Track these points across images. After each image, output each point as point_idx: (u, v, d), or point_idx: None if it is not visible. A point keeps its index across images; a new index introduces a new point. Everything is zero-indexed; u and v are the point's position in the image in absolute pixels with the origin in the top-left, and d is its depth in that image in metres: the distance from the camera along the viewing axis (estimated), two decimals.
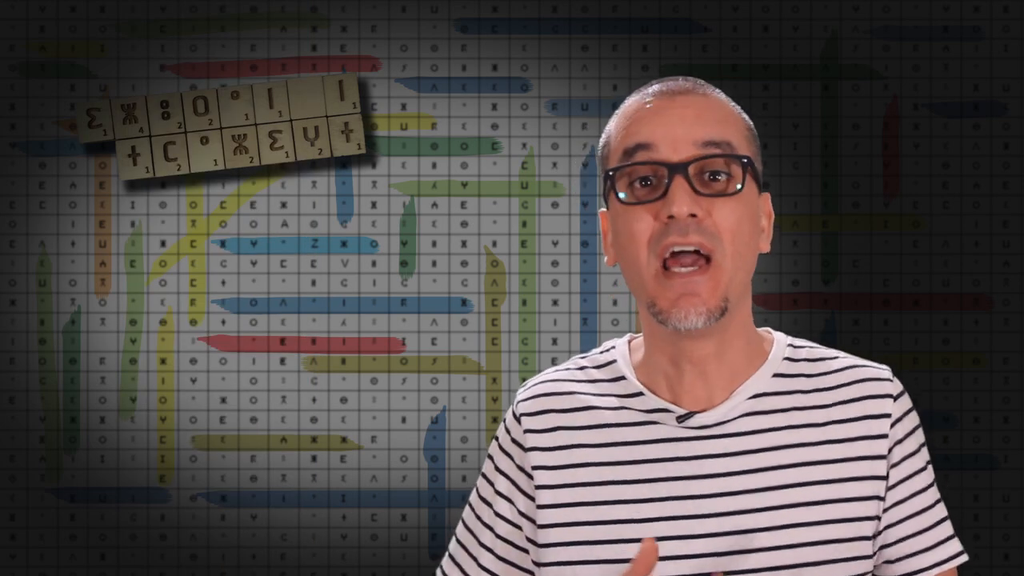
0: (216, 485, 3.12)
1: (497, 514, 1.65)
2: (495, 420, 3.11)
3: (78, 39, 3.12)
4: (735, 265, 1.51)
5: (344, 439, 3.12)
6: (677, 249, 1.49)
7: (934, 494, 1.59)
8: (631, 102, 1.58)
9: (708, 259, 1.50)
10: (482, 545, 1.66)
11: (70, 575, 3.11)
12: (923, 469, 1.58)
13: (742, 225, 1.51)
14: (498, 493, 1.65)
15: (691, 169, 1.49)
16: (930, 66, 3.11)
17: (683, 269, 1.49)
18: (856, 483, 1.54)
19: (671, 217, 1.48)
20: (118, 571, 3.10)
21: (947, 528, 1.59)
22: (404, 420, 3.12)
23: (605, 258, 1.63)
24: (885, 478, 1.55)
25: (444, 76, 3.13)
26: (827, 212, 3.11)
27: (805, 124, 3.11)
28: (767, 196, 1.58)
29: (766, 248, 1.57)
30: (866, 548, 1.54)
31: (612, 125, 1.58)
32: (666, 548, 1.53)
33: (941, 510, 1.59)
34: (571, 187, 3.12)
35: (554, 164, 3.12)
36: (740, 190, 1.50)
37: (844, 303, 3.11)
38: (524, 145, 3.13)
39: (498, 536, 1.64)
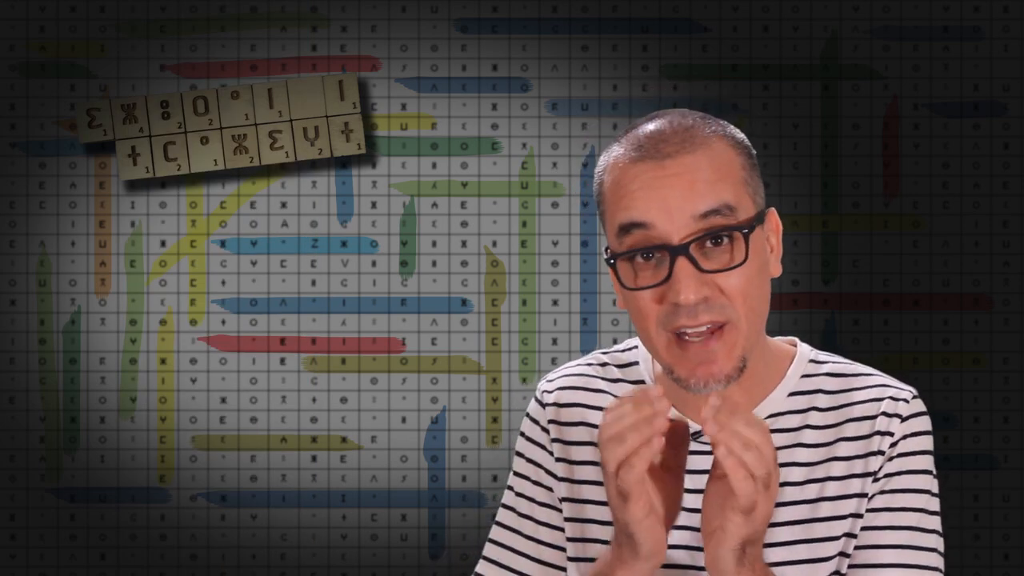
0: (216, 485, 3.12)
1: (538, 502, 1.64)
2: (495, 420, 3.11)
3: (78, 39, 3.12)
4: (750, 321, 1.47)
5: (344, 439, 3.12)
6: (689, 330, 1.45)
7: (910, 519, 1.52)
8: (621, 158, 1.49)
9: (722, 325, 1.46)
10: (527, 536, 1.65)
11: (70, 575, 3.11)
12: (905, 491, 1.53)
13: (752, 282, 1.47)
14: (536, 483, 1.64)
15: (692, 248, 1.44)
16: (930, 66, 3.11)
17: (697, 338, 1.46)
18: (859, 500, 1.54)
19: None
20: (118, 571, 3.10)
21: (910, 555, 1.50)
22: (404, 420, 3.12)
23: (616, 301, 1.59)
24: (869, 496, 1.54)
25: (444, 76, 3.13)
26: (827, 212, 3.11)
27: (805, 124, 3.11)
28: (772, 212, 1.53)
29: (777, 272, 1.53)
30: None
31: (605, 178, 1.51)
32: (675, 557, 1.55)
33: (912, 537, 1.51)
34: (571, 187, 3.12)
35: (554, 164, 3.12)
36: (745, 260, 1.45)
37: (844, 303, 3.11)
38: (524, 145, 3.12)
39: (540, 522, 1.64)
